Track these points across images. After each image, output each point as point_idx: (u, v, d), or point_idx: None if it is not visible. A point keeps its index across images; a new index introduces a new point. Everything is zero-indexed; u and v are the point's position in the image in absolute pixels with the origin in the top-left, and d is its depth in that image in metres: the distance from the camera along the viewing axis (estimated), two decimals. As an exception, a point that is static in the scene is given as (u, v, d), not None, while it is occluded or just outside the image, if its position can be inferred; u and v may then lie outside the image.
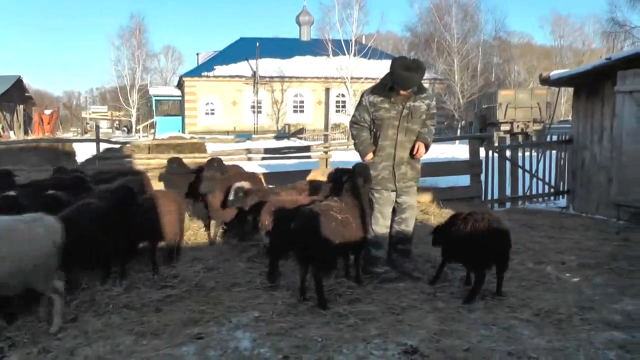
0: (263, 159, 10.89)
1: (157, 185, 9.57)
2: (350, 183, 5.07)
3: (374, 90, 5.46)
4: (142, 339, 4.01)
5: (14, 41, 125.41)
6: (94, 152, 12.07)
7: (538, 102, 29.40)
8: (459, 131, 37.63)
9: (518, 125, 29.09)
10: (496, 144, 10.19)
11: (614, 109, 8.96)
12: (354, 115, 5.61)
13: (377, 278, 5.26)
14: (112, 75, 53.87)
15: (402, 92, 5.18)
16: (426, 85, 5.69)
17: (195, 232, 7.55)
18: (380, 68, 43.45)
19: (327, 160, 10.43)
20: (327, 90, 43.37)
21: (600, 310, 4.47)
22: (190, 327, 4.19)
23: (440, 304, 4.60)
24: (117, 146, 12.11)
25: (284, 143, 29.16)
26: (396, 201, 5.47)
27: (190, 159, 11.16)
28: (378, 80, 5.44)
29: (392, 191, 5.40)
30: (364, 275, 5.27)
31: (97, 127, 10.70)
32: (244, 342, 3.92)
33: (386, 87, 5.28)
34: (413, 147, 5.35)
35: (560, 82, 10.38)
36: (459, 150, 16.00)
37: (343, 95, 41.78)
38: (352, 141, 5.79)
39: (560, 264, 5.90)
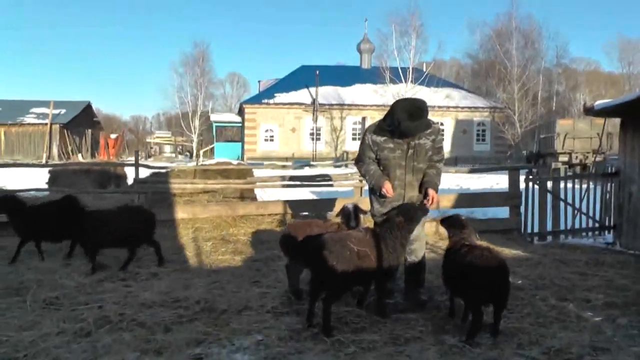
0: (296, 186, 11.00)
1: (181, 209, 9.87)
2: (390, 218, 5.10)
3: (376, 130, 5.36)
4: (144, 356, 4.14)
5: (87, 68, 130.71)
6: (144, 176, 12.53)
7: (598, 132, 28.60)
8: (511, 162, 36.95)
9: (577, 156, 28.32)
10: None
11: (660, 142, 8.67)
12: (358, 155, 5.58)
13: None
14: (175, 101, 55.23)
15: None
16: (432, 119, 5.58)
17: (214, 256, 7.81)
18: (438, 96, 43.53)
19: (361, 188, 10.41)
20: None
21: (617, 353, 4.28)
22: (192, 348, 4.29)
23: (447, 337, 4.51)
24: (163, 170, 12.42)
25: (339, 170, 29.27)
26: None
27: (236, 185, 11.45)
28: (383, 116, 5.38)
29: None
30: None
31: (137, 152, 11.04)
32: (240, 365, 3.97)
33: (384, 125, 5.24)
34: (425, 192, 5.29)
35: (605, 112, 10.09)
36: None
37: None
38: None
39: (585, 302, 5.69)
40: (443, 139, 5.51)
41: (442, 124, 45.00)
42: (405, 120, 4.94)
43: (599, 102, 10.09)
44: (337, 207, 8.67)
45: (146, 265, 7.22)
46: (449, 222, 5.25)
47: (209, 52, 58.73)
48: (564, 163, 26.02)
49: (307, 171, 15.87)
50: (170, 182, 10.60)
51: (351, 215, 5.64)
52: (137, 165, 10.31)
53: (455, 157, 42.56)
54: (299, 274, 5.65)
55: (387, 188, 5.27)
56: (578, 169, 25.29)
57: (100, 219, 7.00)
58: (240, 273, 6.78)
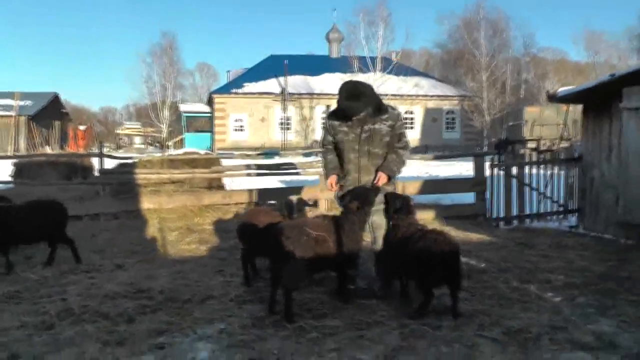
0: (261, 174, 11.01)
1: (147, 199, 9.84)
2: (344, 204, 5.11)
3: (333, 113, 5.43)
4: (107, 348, 4.10)
5: (54, 58, 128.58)
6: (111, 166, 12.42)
7: (568, 119, 29.02)
8: (485, 148, 37.28)
9: (545, 143, 28.70)
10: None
11: (621, 127, 8.82)
12: (321, 138, 5.63)
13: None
14: (143, 92, 54.60)
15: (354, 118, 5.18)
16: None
17: (179, 246, 7.79)
18: (406, 84, 43.74)
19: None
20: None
21: (573, 331, 4.37)
22: (155, 337, 4.27)
23: (409, 321, 4.53)
24: (130, 161, 12.31)
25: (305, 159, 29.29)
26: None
27: (201, 174, 11.39)
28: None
29: None
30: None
31: (101, 144, 10.95)
32: (202, 354, 3.98)
33: (342, 109, 5.27)
34: (375, 174, 5.29)
35: (567, 99, 10.28)
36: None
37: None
38: None
39: (546, 283, 5.80)
40: (403, 125, 5.46)
41: (412, 112, 45.31)
42: (343, 100, 5.08)
43: (562, 89, 10.23)
44: (304, 195, 8.72)
45: (110, 256, 7.16)
46: (397, 205, 5.20)
47: (177, 41, 58.20)
48: (532, 150, 26.41)
49: (273, 160, 15.85)
50: (135, 173, 10.53)
51: (293, 207, 5.61)
52: (101, 156, 10.22)
53: (425, 145, 42.81)
54: (253, 261, 5.81)
55: (331, 182, 5.38)
56: (548, 155, 25.69)
57: (8, 215, 6.57)
58: (204, 262, 6.77)
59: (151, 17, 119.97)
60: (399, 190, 9.86)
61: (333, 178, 5.39)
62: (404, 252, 4.78)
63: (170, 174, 10.66)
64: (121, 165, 12.21)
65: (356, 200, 5.00)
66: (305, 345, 4.05)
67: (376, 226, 5.41)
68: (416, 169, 22.41)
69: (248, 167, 10.62)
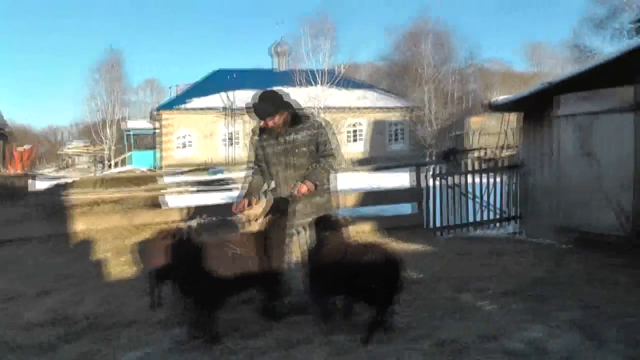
0: (197, 191, 10.80)
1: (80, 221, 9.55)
2: (262, 216, 4.99)
3: (257, 129, 5.36)
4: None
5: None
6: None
7: (510, 128, 29.53)
8: (432, 158, 37.70)
9: (490, 152, 29.14)
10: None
11: (557, 134, 8.96)
12: (248, 156, 5.54)
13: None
14: (88, 109, 53.49)
15: (268, 125, 5.10)
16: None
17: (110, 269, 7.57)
18: (352, 97, 43.96)
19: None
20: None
21: (504, 339, 4.34)
22: (75, 366, 4.06)
23: (338, 337, 4.43)
24: (68, 181, 11.96)
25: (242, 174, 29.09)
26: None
27: (143, 192, 11.14)
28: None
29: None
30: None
31: (32, 163, 10.59)
32: (121, 381, 3.79)
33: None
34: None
35: (505, 107, 10.42)
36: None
37: (318, 125, 41.99)
38: None
39: (480, 292, 5.78)
40: (326, 133, 5.29)
41: (359, 125, 45.50)
42: (253, 101, 5.10)
43: (500, 98, 10.40)
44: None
45: (36, 282, 6.85)
46: (325, 223, 5.07)
47: (123, 58, 57.13)
48: (477, 158, 26.80)
49: (211, 176, 15.60)
50: (67, 194, 10.19)
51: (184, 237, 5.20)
52: (32, 176, 9.88)
53: (371, 157, 43.05)
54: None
55: (242, 203, 5.24)
56: (492, 163, 26.07)
57: None
58: (133, 285, 6.50)
59: (97, 34, 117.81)
60: (339, 203, 9.92)
61: (244, 200, 5.25)
62: (343, 269, 4.60)
63: (102, 194, 10.36)
64: (56, 186, 11.83)
65: (273, 213, 4.89)
66: (230, 368, 3.90)
67: (304, 241, 5.29)
68: (362, 181, 22.46)
69: (183, 184, 10.40)
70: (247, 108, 5.20)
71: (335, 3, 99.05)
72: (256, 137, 5.35)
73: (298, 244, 5.32)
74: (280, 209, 5.01)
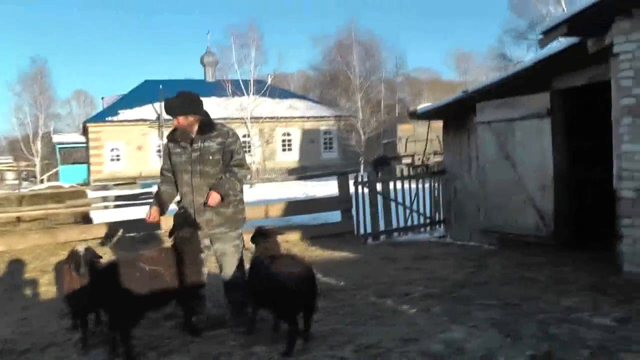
0: (124, 205, 10.57)
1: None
2: (172, 233, 4.86)
3: (169, 136, 5.30)
4: None
5: None
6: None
7: (438, 135, 30.04)
8: (361, 167, 38.10)
9: (419, 158, 29.63)
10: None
11: (477, 140, 9.20)
12: (161, 165, 5.44)
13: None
14: (14, 123, 51.63)
15: (175, 124, 5.05)
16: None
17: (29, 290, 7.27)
18: (281, 106, 44.08)
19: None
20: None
21: (424, 341, 4.38)
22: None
23: (258, 348, 4.36)
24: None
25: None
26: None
27: (68, 209, 10.82)
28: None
29: None
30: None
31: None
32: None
33: (175, 131, 5.17)
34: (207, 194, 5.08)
35: (427, 115, 10.63)
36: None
37: (248, 136, 41.86)
38: None
39: (404, 296, 5.85)
40: (236, 142, 5.25)
41: (289, 134, 45.60)
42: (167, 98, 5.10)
43: (421, 106, 10.62)
44: (165, 224, 8.32)
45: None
46: (254, 234, 5.09)
47: (48, 68, 55.40)
48: (407, 165, 27.25)
49: (133, 190, 15.32)
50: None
51: (81, 261, 4.54)
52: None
53: (303, 166, 43.18)
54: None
55: (152, 213, 5.15)
56: (419, 170, 26.54)
57: None
58: (53, 306, 6.22)
59: (20, 44, 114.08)
60: (262, 214, 9.90)
61: (155, 209, 5.15)
62: (256, 281, 4.59)
63: (20, 212, 10.00)
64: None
65: (181, 227, 4.82)
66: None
67: (220, 253, 5.22)
68: (294, 190, 22.51)
69: (105, 199, 10.16)
70: (163, 104, 5.15)
71: (262, 12, 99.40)
72: (167, 144, 5.27)
73: (214, 256, 5.27)
74: (189, 221, 4.93)
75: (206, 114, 5.17)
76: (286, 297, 4.25)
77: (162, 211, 5.21)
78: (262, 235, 5.06)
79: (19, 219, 10.70)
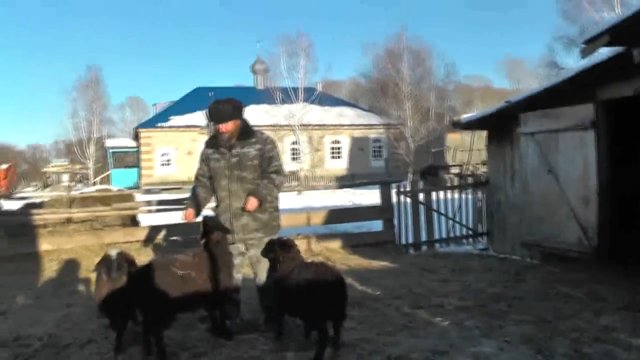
0: (163, 210, 10.82)
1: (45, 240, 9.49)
2: (203, 237, 4.97)
3: (207, 142, 5.43)
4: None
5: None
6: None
7: (485, 144, 29.65)
8: (409, 175, 37.83)
9: (468, 168, 29.32)
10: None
11: (520, 151, 9.08)
12: (196, 170, 5.56)
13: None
14: (69, 128, 53.23)
15: (220, 129, 5.13)
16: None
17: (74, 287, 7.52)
18: (330, 114, 44.22)
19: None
20: (281, 138, 43.66)
21: (454, 355, 4.39)
22: (21, 389, 4.04)
23: (288, 354, 4.46)
24: (38, 201, 11.92)
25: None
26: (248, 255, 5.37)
27: (115, 211, 11.12)
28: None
29: (231, 243, 5.19)
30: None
31: (13, 182, 10.55)
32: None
33: (214, 137, 5.27)
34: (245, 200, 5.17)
35: (471, 125, 10.54)
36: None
37: (296, 143, 42.10)
38: None
39: (438, 308, 5.84)
40: (274, 149, 5.37)
41: (338, 142, 45.74)
42: (210, 104, 5.16)
43: (465, 116, 10.52)
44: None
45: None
46: (277, 246, 5.06)
47: (102, 75, 56.97)
48: (455, 175, 26.99)
49: (179, 194, 15.60)
50: (35, 213, 10.14)
51: (112, 265, 4.64)
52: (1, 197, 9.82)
53: (352, 174, 43.20)
54: None
55: (187, 214, 5.32)
56: (464, 181, 26.25)
57: None
58: (95, 305, 6.43)
59: (76, 51, 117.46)
60: (304, 221, 9.99)
61: (190, 211, 5.31)
62: (286, 289, 4.63)
63: (70, 214, 10.33)
64: (26, 205, 11.78)
65: (213, 231, 4.92)
66: (175, 387, 3.91)
67: (255, 260, 5.31)
68: (341, 198, 22.60)
69: (149, 203, 10.42)
70: (205, 111, 5.25)
71: (312, 21, 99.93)
72: (204, 150, 5.40)
73: (248, 261, 5.37)
74: (218, 226, 5.03)
75: (245, 120, 5.27)
76: (315, 305, 4.32)
77: (197, 213, 5.34)
78: (283, 246, 5.02)
79: (69, 220, 11.04)
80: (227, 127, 5.12)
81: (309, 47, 42.81)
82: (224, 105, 5.10)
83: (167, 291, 4.37)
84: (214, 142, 5.30)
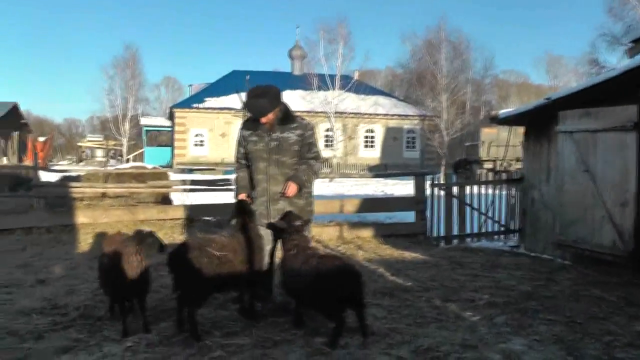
0: (198, 190, 10.94)
1: (82, 213, 9.69)
2: (236, 220, 5.03)
3: (244, 124, 5.42)
4: (7, 366, 3.99)
5: (15, 68, 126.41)
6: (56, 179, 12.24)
7: (520, 141, 29.27)
8: (441, 168, 37.60)
9: (501, 164, 29.00)
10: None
11: (557, 149, 8.97)
12: (235, 152, 5.57)
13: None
14: (105, 104, 54.11)
15: (262, 120, 5.13)
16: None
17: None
18: (366, 103, 44.09)
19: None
20: (316, 124, 43.71)
21: (483, 350, 4.38)
22: (59, 355, 4.19)
23: (318, 339, 4.49)
24: (74, 174, 12.15)
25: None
26: None
27: (149, 189, 11.30)
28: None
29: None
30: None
31: (36, 155, 10.77)
32: (101, 373, 3.88)
33: (253, 119, 5.26)
34: (284, 184, 5.18)
35: (508, 121, 10.44)
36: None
37: (331, 130, 42.12)
38: None
39: (468, 302, 5.82)
40: (314, 135, 5.38)
41: (372, 131, 45.66)
42: (248, 98, 5.10)
43: (503, 112, 10.41)
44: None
45: (34, 271, 7.05)
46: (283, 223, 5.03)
47: (139, 54, 57.67)
48: (488, 170, 26.70)
49: (211, 176, 15.76)
50: (73, 186, 10.36)
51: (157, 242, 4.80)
52: (37, 168, 10.06)
53: (385, 164, 43.11)
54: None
55: (240, 196, 5.31)
56: (497, 176, 25.97)
57: None
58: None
59: (115, 30, 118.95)
60: (337, 209, 10.03)
61: (242, 195, 5.30)
62: (298, 279, 4.62)
63: (105, 188, 10.53)
64: (64, 178, 12.01)
65: (241, 214, 5.01)
66: (207, 364, 3.98)
67: None
68: (372, 188, 22.59)
69: (184, 182, 10.55)
70: (243, 104, 5.24)
71: (352, 8, 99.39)
72: (242, 132, 5.39)
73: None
74: (246, 209, 5.08)
75: (285, 105, 5.27)
76: (325, 297, 4.37)
77: (249, 196, 5.33)
78: (295, 226, 4.96)
79: (104, 195, 11.24)
80: (268, 117, 5.12)
81: (348, 34, 42.83)
82: (262, 100, 5.02)
83: (203, 271, 4.44)
84: (251, 125, 5.29)
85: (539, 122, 9.58)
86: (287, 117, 5.22)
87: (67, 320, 5.01)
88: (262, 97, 5.02)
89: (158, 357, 4.12)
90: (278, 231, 5.00)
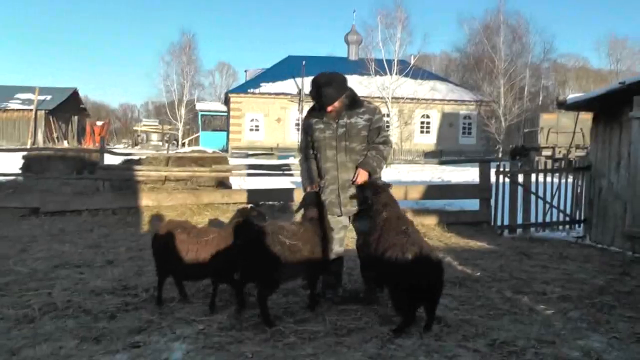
0: (259, 175, 10.98)
1: (146, 196, 9.83)
2: (308, 211, 4.96)
3: (309, 111, 5.27)
4: (83, 344, 4.07)
5: (76, 54, 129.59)
6: (118, 162, 12.49)
7: (582, 128, 28.41)
8: (499, 155, 36.91)
9: (560, 151, 28.21)
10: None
11: (630, 136, 8.62)
12: (299, 143, 5.47)
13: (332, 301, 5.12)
14: (161, 89, 55.22)
15: (328, 109, 4.98)
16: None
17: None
18: (423, 88, 43.54)
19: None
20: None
21: (561, 346, 4.22)
22: (132, 336, 4.23)
23: (392, 327, 4.42)
24: (136, 157, 12.35)
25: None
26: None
27: (212, 173, 11.41)
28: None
29: (338, 216, 5.15)
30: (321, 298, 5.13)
31: (102, 139, 10.98)
32: (176, 354, 3.90)
33: (319, 107, 5.10)
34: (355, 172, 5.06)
35: (577, 106, 10.06)
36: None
37: (387, 116, 41.81)
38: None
39: (540, 295, 5.64)
40: (382, 120, 5.23)
41: (428, 117, 45.13)
42: (313, 87, 4.95)
43: (571, 96, 10.05)
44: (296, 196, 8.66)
45: (103, 252, 7.20)
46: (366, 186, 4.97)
47: (196, 41, 58.73)
48: (547, 157, 26.03)
49: (271, 161, 15.83)
50: (135, 170, 10.53)
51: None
52: (102, 151, 10.24)
53: (440, 150, 42.61)
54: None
55: (312, 186, 5.21)
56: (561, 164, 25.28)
57: None
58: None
59: (171, 16, 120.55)
60: (401, 195, 9.89)
61: (313, 186, 5.18)
62: (379, 261, 4.49)
63: (168, 172, 10.65)
64: (127, 161, 12.23)
65: (310, 206, 4.94)
66: (282, 350, 3.95)
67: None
68: (429, 174, 22.32)
69: (247, 167, 10.60)
70: (310, 93, 5.11)
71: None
72: (306, 121, 5.26)
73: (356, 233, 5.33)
74: (315, 201, 4.99)
75: (351, 90, 5.13)
76: (407, 294, 4.26)
77: (319, 185, 5.23)
78: (376, 188, 4.92)
79: (165, 178, 11.39)
80: (334, 106, 4.98)
81: (406, 19, 42.36)
82: (328, 89, 4.86)
83: (276, 258, 4.41)
84: (317, 113, 5.14)
85: (610, 107, 9.20)
86: (354, 102, 5.07)
87: (138, 301, 5.09)
88: (328, 86, 4.88)
89: (230, 340, 4.12)
90: (374, 190, 4.90)
